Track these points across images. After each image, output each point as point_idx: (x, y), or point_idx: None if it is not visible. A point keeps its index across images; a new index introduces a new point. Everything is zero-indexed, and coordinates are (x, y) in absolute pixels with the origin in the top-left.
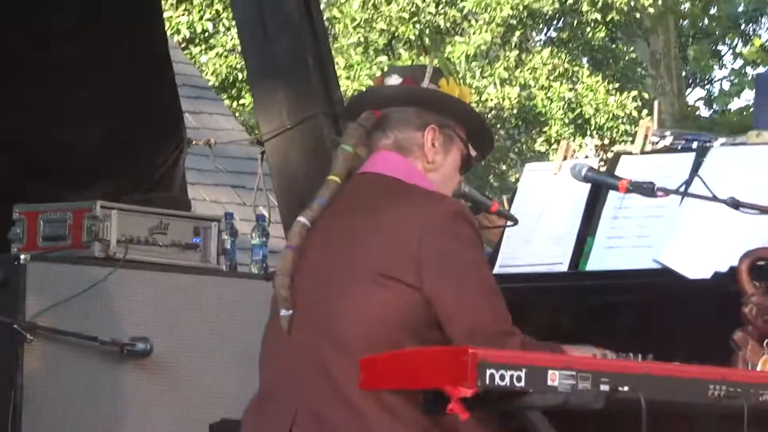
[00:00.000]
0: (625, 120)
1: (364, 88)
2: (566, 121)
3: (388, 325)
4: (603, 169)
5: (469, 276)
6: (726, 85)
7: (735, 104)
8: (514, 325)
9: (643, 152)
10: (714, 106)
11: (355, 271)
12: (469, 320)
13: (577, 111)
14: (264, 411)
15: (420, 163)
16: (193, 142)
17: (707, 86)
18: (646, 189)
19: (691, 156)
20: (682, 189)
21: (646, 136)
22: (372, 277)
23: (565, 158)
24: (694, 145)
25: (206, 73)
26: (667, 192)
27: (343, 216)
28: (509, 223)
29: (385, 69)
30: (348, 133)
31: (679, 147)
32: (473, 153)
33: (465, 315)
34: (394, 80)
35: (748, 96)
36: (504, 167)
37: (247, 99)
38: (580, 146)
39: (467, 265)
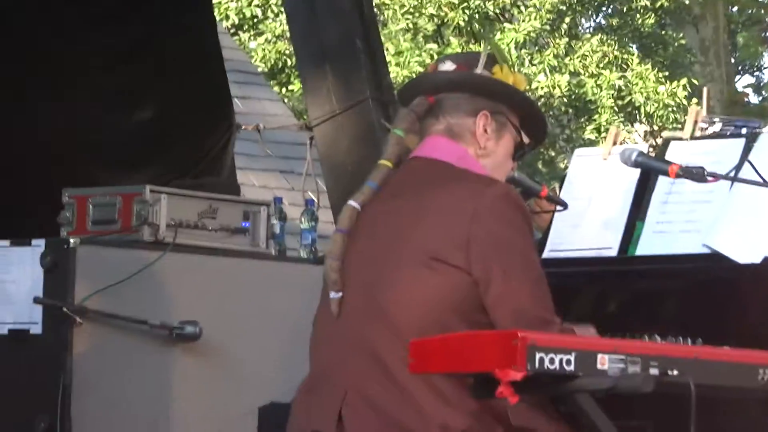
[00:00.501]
0: (674, 108)
1: (413, 75)
2: (616, 109)
3: (438, 308)
4: (652, 154)
5: (515, 262)
6: None
7: None
8: (563, 308)
9: (692, 138)
10: (763, 93)
11: (404, 254)
12: (512, 306)
13: (627, 99)
14: (314, 392)
15: (472, 149)
16: (242, 128)
17: (756, 73)
18: (696, 174)
19: (741, 141)
20: (732, 174)
21: (695, 122)
22: (422, 260)
23: (614, 144)
24: (744, 131)
25: (255, 60)
26: (717, 177)
27: (393, 200)
28: (559, 208)
29: (435, 56)
30: (400, 118)
31: (729, 133)
32: (526, 140)
33: (508, 300)
34: (448, 66)
35: None
36: (553, 154)
37: (295, 85)
38: (629, 131)
39: (515, 251)
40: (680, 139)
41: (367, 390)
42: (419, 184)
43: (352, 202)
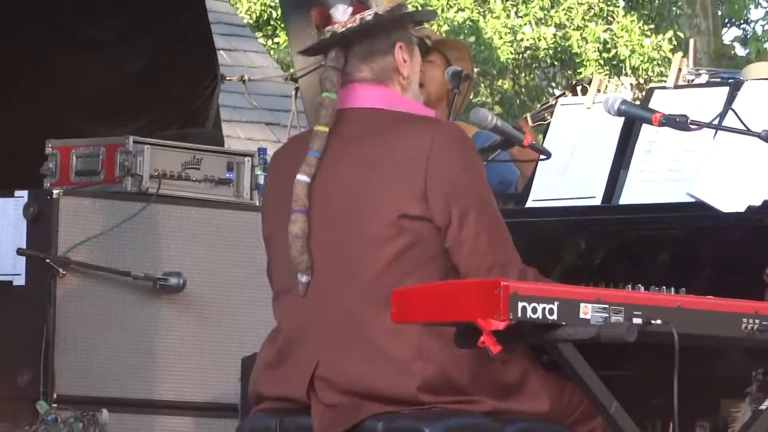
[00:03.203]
0: (660, 62)
1: None
2: (601, 62)
3: (412, 262)
4: (637, 103)
5: (472, 205)
6: (759, 30)
7: None
8: (547, 258)
9: (676, 87)
10: (749, 46)
11: (368, 215)
12: (468, 249)
13: (613, 52)
14: (283, 364)
15: (398, 86)
16: (227, 78)
17: (743, 26)
18: (680, 122)
19: (724, 90)
20: (715, 122)
21: (679, 70)
22: (389, 219)
23: (598, 92)
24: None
25: (240, 11)
26: (700, 125)
27: (341, 164)
28: (542, 157)
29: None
30: (327, 79)
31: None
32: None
33: (464, 245)
34: (341, 11)
35: None
36: (538, 106)
37: (281, 37)
38: (617, 87)
39: (471, 194)
40: (665, 87)
41: (341, 355)
42: (362, 138)
43: (301, 177)
